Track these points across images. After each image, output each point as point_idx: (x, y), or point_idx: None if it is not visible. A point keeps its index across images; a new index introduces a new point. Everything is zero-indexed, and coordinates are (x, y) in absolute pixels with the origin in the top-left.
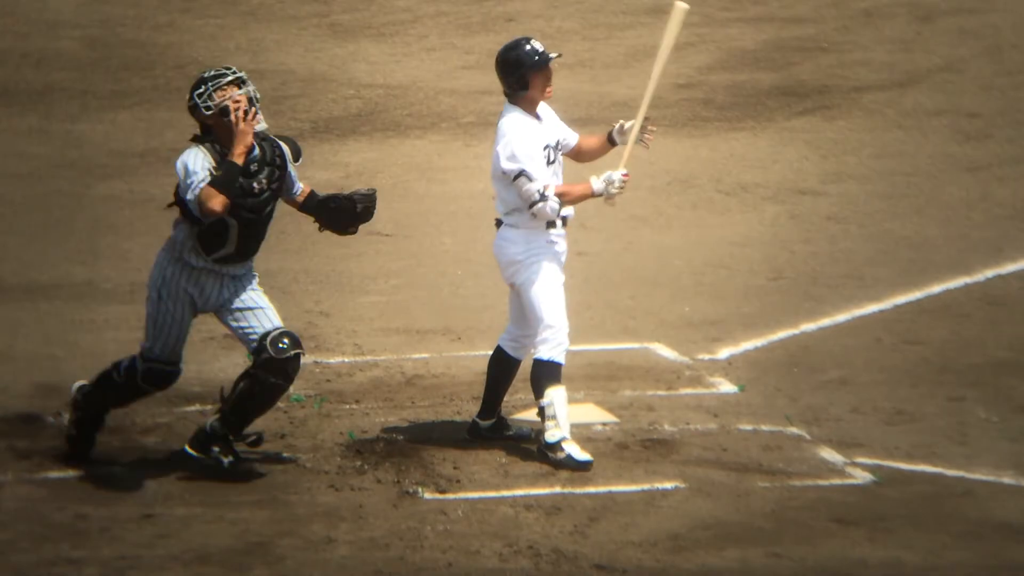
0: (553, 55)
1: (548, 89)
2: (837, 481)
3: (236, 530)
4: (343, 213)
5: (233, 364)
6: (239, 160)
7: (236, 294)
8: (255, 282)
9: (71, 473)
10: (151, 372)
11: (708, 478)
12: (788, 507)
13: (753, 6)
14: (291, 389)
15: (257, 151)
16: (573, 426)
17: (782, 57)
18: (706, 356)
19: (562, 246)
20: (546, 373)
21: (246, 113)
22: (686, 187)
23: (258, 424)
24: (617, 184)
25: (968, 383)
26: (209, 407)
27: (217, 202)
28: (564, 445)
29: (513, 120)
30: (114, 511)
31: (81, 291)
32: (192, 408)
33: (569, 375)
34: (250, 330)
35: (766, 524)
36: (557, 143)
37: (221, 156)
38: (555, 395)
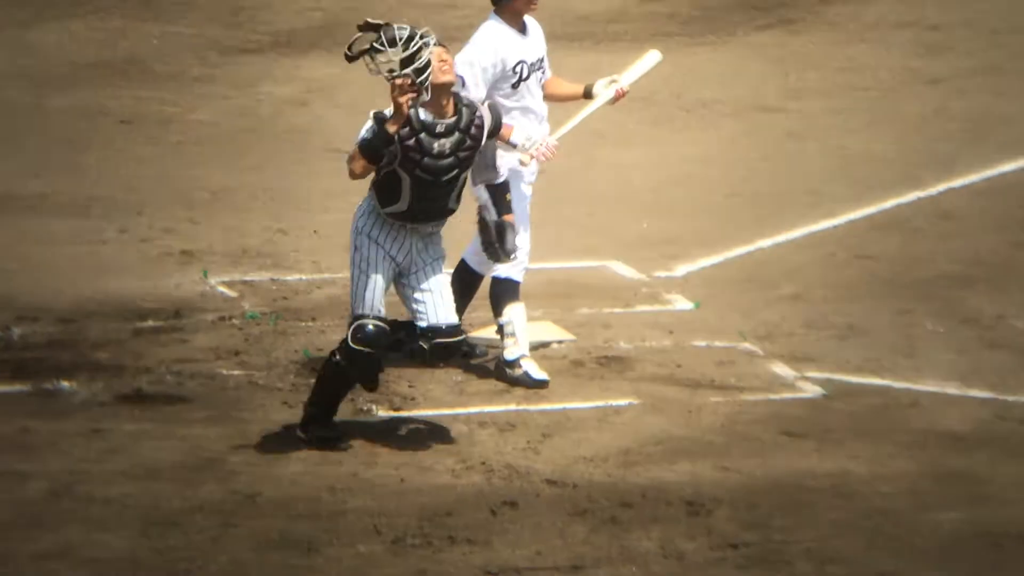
0: None
1: (532, 4)
2: (788, 395)
3: (187, 446)
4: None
5: (189, 280)
6: (391, 129)
7: (425, 262)
8: (443, 263)
9: (18, 387)
10: (360, 329)
11: (661, 394)
12: (739, 421)
13: None
14: (247, 306)
15: (453, 118)
16: (530, 344)
17: None
18: (663, 273)
19: (532, 166)
20: (505, 291)
21: (409, 87)
22: (647, 104)
23: (216, 341)
24: (534, 146)
25: (917, 296)
26: (162, 323)
27: (357, 165)
28: (522, 362)
29: (487, 28)
30: (61, 426)
31: (34, 204)
32: (146, 324)
33: (527, 293)
34: (422, 313)
35: (717, 438)
36: (540, 61)
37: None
38: (514, 313)
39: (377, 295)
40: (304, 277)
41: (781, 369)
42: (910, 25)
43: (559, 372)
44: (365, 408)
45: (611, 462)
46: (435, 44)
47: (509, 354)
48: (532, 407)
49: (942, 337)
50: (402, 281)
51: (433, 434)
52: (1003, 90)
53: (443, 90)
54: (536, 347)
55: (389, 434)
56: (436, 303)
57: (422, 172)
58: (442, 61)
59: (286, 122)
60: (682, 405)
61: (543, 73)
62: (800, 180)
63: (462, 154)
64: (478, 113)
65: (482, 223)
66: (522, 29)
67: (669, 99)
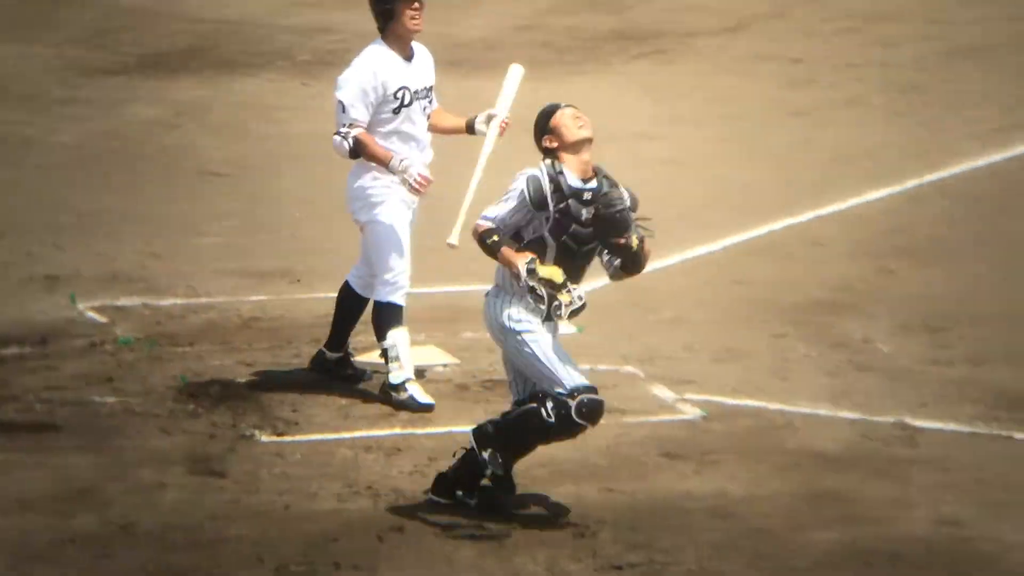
0: None
1: (416, 22)
2: (668, 417)
3: (59, 476)
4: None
5: (56, 306)
6: (508, 266)
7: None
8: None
9: None
10: (586, 404)
11: None
12: (622, 443)
13: None
14: (119, 331)
15: (596, 185)
16: (415, 367)
17: (619, 1)
18: None
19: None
20: (387, 315)
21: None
22: (527, 131)
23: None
24: (411, 178)
25: (790, 321)
26: (28, 350)
27: (478, 238)
28: (407, 386)
29: (369, 51)
30: None
31: None
32: (9, 351)
33: (412, 317)
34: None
35: (600, 460)
36: (426, 90)
37: (556, 179)
38: (397, 337)
39: (570, 365)
40: (179, 302)
41: (662, 391)
42: (775, 58)
43: (444, 396)
44: (248, 434)
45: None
46: (565, 106)
47: (394, 378)
48: (418, 431)
49: (814, 360)
50: None
51: (318, 459)
52: (864, 122)
53: (583, 145)
54: (420, 371)
55: (273, 460)
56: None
57: (569, 239)
58: (577, 118)
59: (156, 144)
60: None
61: (429, 103)
62: (678, 206)
63: (603, 224)
64: (618, 188)
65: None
66: (408, 56)
67: None
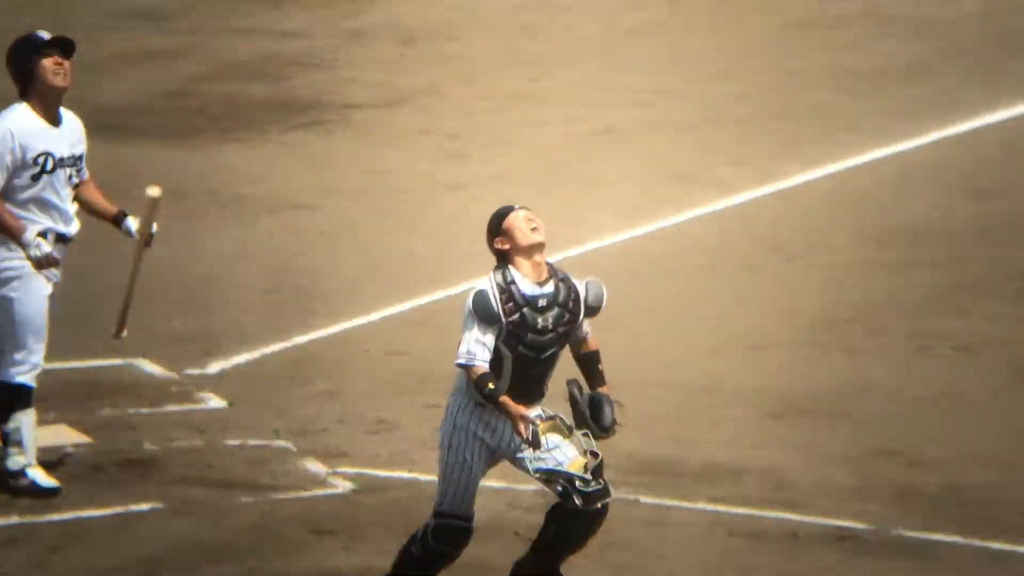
0: (47, 36)
1: (59, 77)
2: (319, 492)
3: None
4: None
5: None
6: (513, 421)
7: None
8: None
9: None
10: (441, 528)
11: (190, 497)
12: (270, 521)
13: (244, 18)
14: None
15: (552, 289)
16: (41, 449)
17: (276, 71)
18: (196, 371)
19: (54, 269)
20: (14, 397)
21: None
22: (179, 198)
23: None
24: (41, 252)
25: (444, 391)
26: None
27: (475, 384)
28: (28, 471)
29: (7, 111)
30: None
31: None
32: None
33: (43, 395)
34: (559, 464)
35: (245, 540)
36: (74, 159)
37: (507, 289)
38: (22, 420)
39: (468, 496)
40: None
41: (314, 466)
42: (431, 133)
43: (74, 479)
44: None
45: (130, 572)
46: (519, 208)
47: (12, 464)
48: (39, 518)
49: None
50: (524, 465)
51: None
52: (514, 197)
53: (536, 250)
54: (49, 453)
55: None
56: (558, 456)
57: (525, 348)
58: (530, 220)
59: None
60: (211, 507)
61: (77, 172)
62: (336, 277)
63: (561, 329)
64: (574, 288)
65: (572, 399)
66: (54, 121)
67: (202, 195)
